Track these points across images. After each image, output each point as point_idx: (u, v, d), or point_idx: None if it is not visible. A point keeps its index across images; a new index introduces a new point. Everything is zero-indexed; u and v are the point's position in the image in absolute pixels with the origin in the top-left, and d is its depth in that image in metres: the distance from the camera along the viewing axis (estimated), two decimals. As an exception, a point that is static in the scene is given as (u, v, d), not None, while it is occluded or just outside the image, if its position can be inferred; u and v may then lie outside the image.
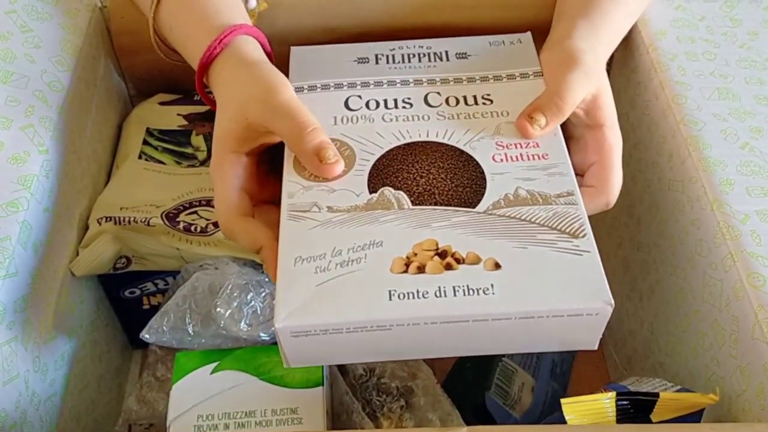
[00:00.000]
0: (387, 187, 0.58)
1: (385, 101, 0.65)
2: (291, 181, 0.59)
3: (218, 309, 0.68)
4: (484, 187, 0.58)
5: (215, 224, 0.73)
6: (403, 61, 0.70)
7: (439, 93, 0.66)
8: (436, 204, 0.57)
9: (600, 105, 0.64)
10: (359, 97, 0.66)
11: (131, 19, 0.81)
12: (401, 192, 0.58)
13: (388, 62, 0.70)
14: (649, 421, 0.54)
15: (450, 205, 0.56)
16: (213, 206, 0.75)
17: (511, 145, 0.61)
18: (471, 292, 0.51)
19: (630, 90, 0.81)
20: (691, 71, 0.75)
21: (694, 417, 0.56)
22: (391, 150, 0.61)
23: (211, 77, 0.66)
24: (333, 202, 0.57)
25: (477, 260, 0.53)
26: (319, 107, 0.63)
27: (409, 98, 0.65)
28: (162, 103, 0.89)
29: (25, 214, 0.62)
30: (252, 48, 0.66)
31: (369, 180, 0.59)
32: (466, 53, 0.71)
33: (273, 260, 0.55)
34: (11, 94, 0.69)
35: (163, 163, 0.81)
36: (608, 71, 0.87)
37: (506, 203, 0.56)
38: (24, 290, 0.61)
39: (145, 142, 0.83)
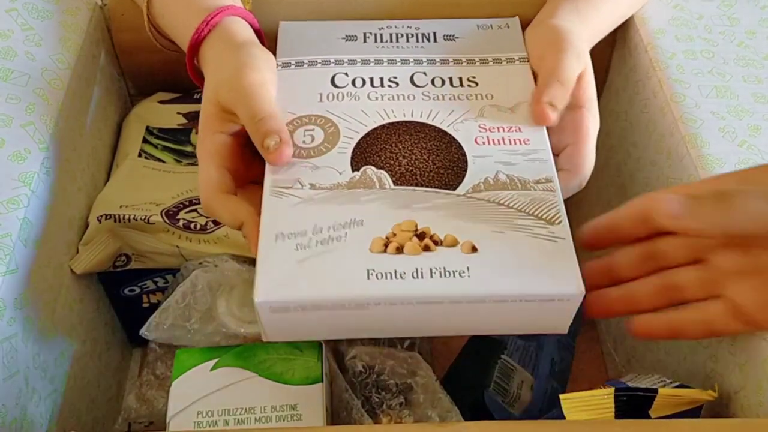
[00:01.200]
0: (369, 166, 0.59)
1: (371, 79, 0.66)
2: None
3: (218, 306, 0.68)
4: (465, 170, 0.59)
5: (215, 222, 0.73)
6: (391, 41, 0.71)
7: (425, 73, 0.67)
8: (417, 185, 0.57)
9: (583, 86, 0.64)
10: (346, 74, 0.67)
11: (131, 18, 0.81)
12: (383, 171, 0.58)
13: (376, 41, 0.71)
14: (648, 417, 0.55)
15: (431, 187, 0.57)
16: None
17: (493, 128, 0.62)
18: (447, 274, 0.53)
19: (628, 89, 0.81)
20: (689, 69, 0.75)
21: (693, 413, 0.56)
22: (375, 129, 0.62)
23: (200, 59, 0.67)
24: (316, 180, 0.58)
25: (455, 243, 0.54)
26: (305, 83, 0.65)
27: (395, 77, 0.67)
28: (162, 102, 0.89)
29: (25, 211, 0.62)
30: (239, 28, 0.66)
31: (352, 158, 0.60)
32: (453, 35, 0.72)
33: (254, 236, 0.56)
34: (12, 91, 0.70)
35: (163, 162, 0.81)
36: (606, 70, 0.88)
37: (486, 187, 0.57)
38: (24, 287, 0.61)
39: (145, 141, 0.83)
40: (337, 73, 0.67)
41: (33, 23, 0.77)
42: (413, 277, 0.53)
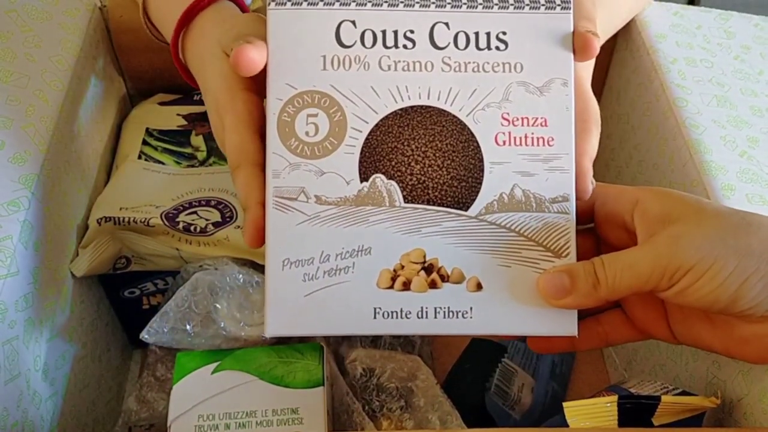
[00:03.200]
0: (379, 175, 0.56)
1: (384, 34, 0.57)
2: (276, 154, 0.55)
3: (218, 309, 0.68)
4: (481, 182, 0.56)
5: (215, 224, 0.73)
6: None
7: (447, 25, 0.57)
8: (428, 202, 0.56)
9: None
10: (353, 24, 0.57)
11: (131, 19, 0.81)
12: (393, 183, 0.56)
13: None
14: (651, 425, 0.54)
15: (442, 205, 0.56)
16: (212, 206, 0.75)
17: (517, 120, 0.57)
18: (451, 314, 0.54)
19: (630, 91, 0.81)
20: (690, 76, 0.75)
21: (696, 420, 0.56)
22: (387, 118, 0.56)
23: (192, 30, 0.63)
24: (321, 190, 0.55)
25: (461, 279, 0.54)
26: (306, 38, 0.56)
27: (412, 32, 0.57)
28: (161, 103, 0.89)
29: (26, 214, 0.62)
30: (233, 6, 0.64)
31: (360, 162, 0.56)
32: None
33: (253, 223, 0.55)
34: (12, 93, 0.69)
35: (163, 163, 0.81)
36: (606, 71, 0.88)
37: (499, 206, 0.56)
38: (25, 289, 0.61)
39: (145, 142, 0.83)
40: (343, 21, 0.56)
41: (32, 25, 0.77)
42: (418, 317, 0.54)
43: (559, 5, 0.57)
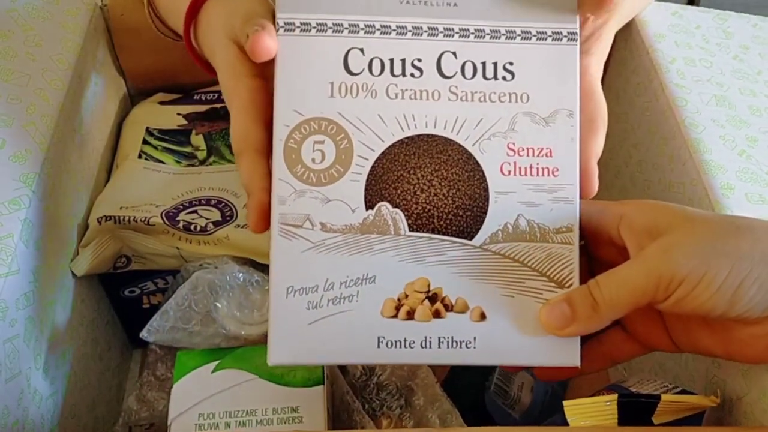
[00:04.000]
0: (385, 203, 0.55)
1: (392, 63, 0.57)
2: (282, 180, 0.55)
3: (218, 308, 0.68)
4: (486, 211, 0.56)
5: (215, 223, 0.73)
6: None
7: (455, 54, 0.57)
8: (433, 231, 0.55)
9: (600, 33, 0.61)
10: (361, 51, 0.56)
11: (131, 18, 0.81)
12: (399, 211, 0.56)
13: None
14: (651, 423, 0.55)
15: (447, 234, 0.55)
16: (213, 205, 0.75)
17: (523, 150, 0.56)
18: (454, 344, 0.54)
19: (629, 90, 0.81)
20: (689, 76, 0.75)
21: (696, 419, 0.56)
22: (393, 146, 0.56)
23: (204, 13, 0.63)
24: (327, 218, 0.55)
25: (465, 308, 0.54)
26: (314, 64, 0.56)
27: (419, 60, 0.57)
28: (162, 103, 0.89)
29: (26, 212, 0.62)
30: None
31: (366, 190, 0.55)
32: None
33: (256, 207, 0.54)
34: (12, 92, 0.69)
35: (163, 163, 0.81)
36: (605, 70, 0.88)
37: (504, 236, 0.55)
38: (26, 288, 0.61)
39: (145, 142, 0.83)
40: (351, 49, 0.56)
41: (33, 24, 0.77)
42: (422, 347, 0.54)
43: (565, 36, 0.57)
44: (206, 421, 0.62)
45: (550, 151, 0.57)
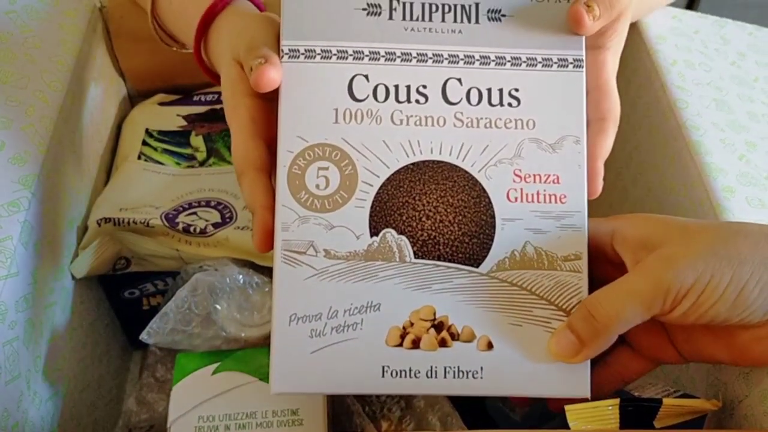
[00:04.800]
0: (390, 230, 0.55)
1: (397, 89, 0.56)
2: (286, 207, 0.55)
3: (218, 310, 0.68)
4: (492, 238, 0.55)
5: (214, 225, 0.73)
6: (423, 18, 0.57)
7: (460, 81, 0.57)
8: (439, 258, 0.55)
9: (616, 28, 0.60)
10: (366, 78, 0.56)
11: (130, 20, 0.81)
12: (404, 238, 0.55)
13: (404, 17, 0.57)
14: (652, 427, 0.54)
15: (453, 261, 0.55)
16: (212, 206, 0.75)
17: (529, 176, 0.56)
18: (460, 374, 0.54)
19: (631, 92, 0.81)
20: (690, 79, 0.75)
21: (697, 423, 0.56)
22: (398, 172, 0.56)
23: (213, 31, 0.64)
24: (331, 245, 0.54)
25: (471, 337, 0.54)
26: (318, 91, 0.56)
27: (424, 87, 0.56)
28: (161, 104, 0.89)
29: (26, 214, 0.62)
30: (252, 7, 0.64)
31: (371, 217, 0.55)
32: (500, 11, 0.58)
33: (260, 228, 0.54)
34: (11, 94, 0.69)
35: (163, 164, 0.81)
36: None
37: (511, 264, 0.55)
38: (25, 290, 0.61)
39: (145, 143, 0.83)
40: (356, 76, 0.56)
41: (32, 25, 0.77)
42: (427, 376, 0.53)
43: (571, 63, 0.57)
44: (206, 423, 0.62)
45: (557, 178, 0.56)
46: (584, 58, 0.57)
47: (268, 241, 0.54)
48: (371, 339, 0.54)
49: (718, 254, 0.49)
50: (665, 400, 0.54)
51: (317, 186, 0.55)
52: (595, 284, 0.55)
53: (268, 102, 0.57)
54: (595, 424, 0.53)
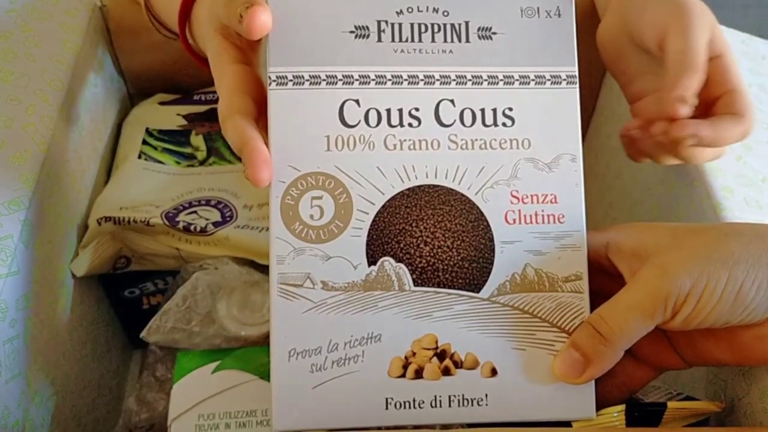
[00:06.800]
0: (387, 258, 0.54)
1: (389, 113, 0.55)
2: (280, 239, 0.53)
3: (218, 309, 0.68)
4: (492, 262, 0.54)
5: (215, 224, 0.73)
6: (413, 38, 0.56)
7: (453, 102, 0.55)
8: (439, 285, 0.54)
9: (717, 35, 0.60)
10: (357, 103, 0.55)
11: (131, 19, 0.81)
12: (402, 266, 0.54)
13: (393, 39, 0.56)
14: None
15: (453, 288, 0.54)
16: (212, 205, 0.75)
17: (527, 197, 0.55)
18: (465, 402, 0.53)
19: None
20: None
21: (700, 425, 0.56)
22: (394, 198, 0.54)
23: (195, 10, 0.63)
24: (328, 276, 0.53)
25: (475, 364, 0.53)
26: (309, 118, 0.54)
27: (417, 110, 0.55)
28: (161, 103, 0.89)
29: (26, 213, 0.62)
30: None
31: (368, 246, 0.54)
32: (490, 28, 0.56)
33: (251, 161, 0.51)
34: (12, 93, 0.69)
35: (163, 163, 0.81)
36: (605, 71, 0.88)
37: (512, 287, 0.54)
38: (26, 288, 0.61)
39: (145, 142, 0.83)
40: (346, 101, 0.54)
41: (33, 24, 0.77)
42: (431, 406, 0.53)
43: (564, 80, 0.56)
44: (206, 422, 0.62)
45: (555, 197, 0.56)
46: (577, 73, 0.56)
47: (264, 169, 0.52)
48: (373, 371, 0.53)
49: (712, 257, 0.49)
50: (670, 404, 0.54)
51: (311, 216, 0.54)
52: (592, 296, 0.55)
53: (254, 68, 0.57)
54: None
